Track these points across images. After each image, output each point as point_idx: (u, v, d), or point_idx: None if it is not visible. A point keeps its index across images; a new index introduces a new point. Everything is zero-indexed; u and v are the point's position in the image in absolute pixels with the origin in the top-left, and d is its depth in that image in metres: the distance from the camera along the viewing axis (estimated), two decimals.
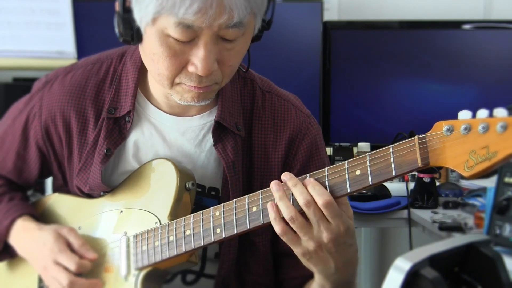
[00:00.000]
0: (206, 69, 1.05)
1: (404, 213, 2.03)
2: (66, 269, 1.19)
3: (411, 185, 2.10)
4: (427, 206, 2.05)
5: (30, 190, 1.43)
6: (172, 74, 1.09)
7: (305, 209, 0.98)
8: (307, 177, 1.01)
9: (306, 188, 0.98)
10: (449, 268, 0.86)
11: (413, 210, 2.03)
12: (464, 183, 2.24)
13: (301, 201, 0.97)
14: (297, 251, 1.02)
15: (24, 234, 1.26)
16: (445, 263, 0.84)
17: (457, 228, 1.81)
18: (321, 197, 0.97)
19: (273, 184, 1.01)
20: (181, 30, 1.02)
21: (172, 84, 1.10)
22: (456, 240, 0.87)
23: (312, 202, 0.97)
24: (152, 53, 1.08)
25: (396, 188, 2.14)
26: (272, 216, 1.00)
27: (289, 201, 0.99)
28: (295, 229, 0.99)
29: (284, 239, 1.01)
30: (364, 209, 2.03)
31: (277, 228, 1.00)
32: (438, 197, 2.09)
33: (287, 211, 0.98)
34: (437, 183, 2.17)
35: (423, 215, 1.98)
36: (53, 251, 1.20)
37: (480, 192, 2.04)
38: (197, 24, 1.01)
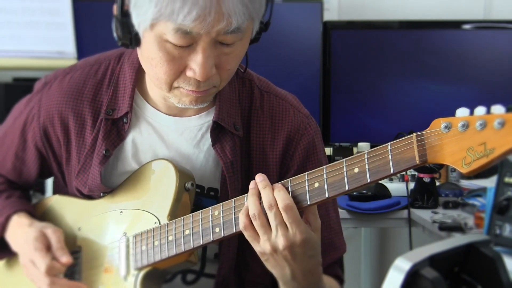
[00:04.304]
0: (204, 74, 1.05)
1: (404, 213, 2.03)
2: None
3: (411, 185, 2.10)
4: (427, 206, 2.04)
5: (31, 190, 1.43)
6: (170, 79, 1.09)
7: (267, 211, 1.02)
8: (306, 176, 1.02)
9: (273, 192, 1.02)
10: (449, 268, 0.86)
11: (413, 210, 2.03)
12: (464, 183, 2.24)
13: (265, 203, 1.02)
14: (256, 249, 1.05)
15: (17, 230, 1.26)
16: (445, 263, 0.84)
17: (457, 228, 1.81)
18: (282, 200, 1.01)
19: (251, 182, 1.05)
20: (179, 36, 1.02)
21: (170, 88, 1.11)
22: (456, 240, 0.87)
23: (274, 204, 1.01)
24: (150, 58, 1.08)
25: (396, 188, 2.14)
26: (242, 210, 1.04)
27: (257, 200, 1.03)
28: (255, 227, 1.03)
29: (245, 234, 1.04)
30: (364, 209, 2.02)
31: (241, 222, 1.04)
32: (438, 197, 2.09)
33: (252, 208, 1.03)
34: (437, 183, 2.16)
35: (423, 215, 1.98)
36: (30, 249, 1.20)
37: (480, 192, 2.04)
38: (196, 30, 1.01)
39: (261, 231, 1.02)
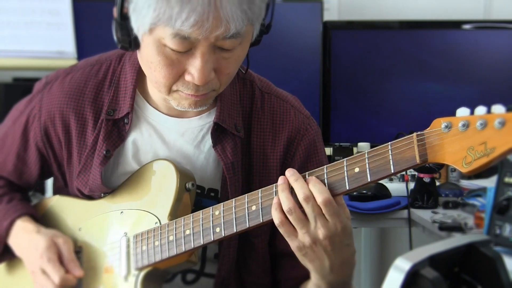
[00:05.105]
0: (203, 79, 1.05)
1: (404, 213, 2.03)
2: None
3: (411, 185, 2.10)
4: (427, 206, 2.05)
5: (31, 191, 1.43)
6: (169, 82, 1.09)
7: (303, 204, 0.99)
8: (307, 176, 1.02)
9: (307, 184, 0.99)
10: (449, 268, 0.86)
11: (413, 210, 2.03)
12: (464, 183, 2.24)
13: (300, 195, 0.99)
14: (293, 244, 1.03)
15: (23, 235, 1.26)
16: (445, 263, 0.84)
17: (457, 228, 1.81)
18: (320, 194, 0.98)
19: (280, 178, 1.03)
20: (178, 41, 1.02)
21: (170, 91, 1.11)
22: (456, 240, 0.87)
23: (311, 197, 0.99)
24: (149, 61, 1.08)
25: (396, 188, 2.14)
26: (274, 206, 1.01)
27: (289, 193, 1.01)
28: (292, 221, 1.00)
29: (281, 230, 1.02)
30: (364, 209, 2.03)
31: (276, 218, 1.01)
32: (438, 197, 2.09)
33: (286, 202, 1.00)
34: (437, 183, 2.17)
35: (423, 215, 1.98)
36: (42, 259, 1.20)
37: (480, 192, 2.04)
38: (194, 35, 1.00)
39: (299, 224, 1.00)
